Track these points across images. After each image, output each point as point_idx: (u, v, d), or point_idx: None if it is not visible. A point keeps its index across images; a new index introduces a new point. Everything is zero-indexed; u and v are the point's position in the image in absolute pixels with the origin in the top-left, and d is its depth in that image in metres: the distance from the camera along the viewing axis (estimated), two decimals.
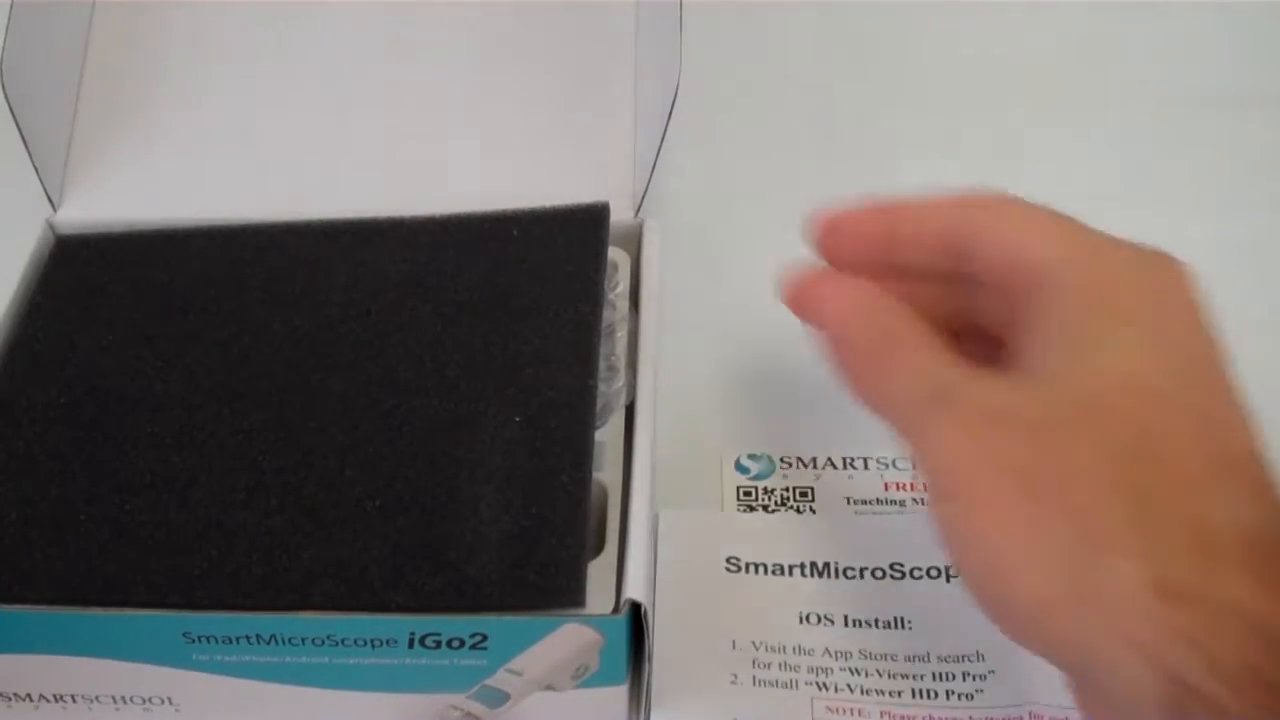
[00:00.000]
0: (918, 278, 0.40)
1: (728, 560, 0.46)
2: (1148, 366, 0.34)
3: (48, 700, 0.42)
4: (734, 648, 0.44)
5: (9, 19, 0.49)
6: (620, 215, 0.51)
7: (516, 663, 0.40)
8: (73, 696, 0.41)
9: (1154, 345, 0.35)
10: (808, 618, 0.45)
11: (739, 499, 0.49)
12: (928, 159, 0.61)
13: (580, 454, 0.42)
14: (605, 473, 0.44)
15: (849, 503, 0.48)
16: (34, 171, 0.51)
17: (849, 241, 0.41)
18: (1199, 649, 0.30)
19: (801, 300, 0.41)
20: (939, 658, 0.43)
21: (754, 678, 0.43)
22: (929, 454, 0.36)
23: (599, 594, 0.40)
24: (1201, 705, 0.30)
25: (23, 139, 0.50)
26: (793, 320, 0.55)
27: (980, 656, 0.43)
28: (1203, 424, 0.33)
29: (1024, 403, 0.34)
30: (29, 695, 0.41)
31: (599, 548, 0.42)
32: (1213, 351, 0.35)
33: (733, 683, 0.43)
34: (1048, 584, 0.32)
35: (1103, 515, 0.32)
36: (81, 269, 0.50)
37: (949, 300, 0.40)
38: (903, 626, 0.44)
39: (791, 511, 0.48)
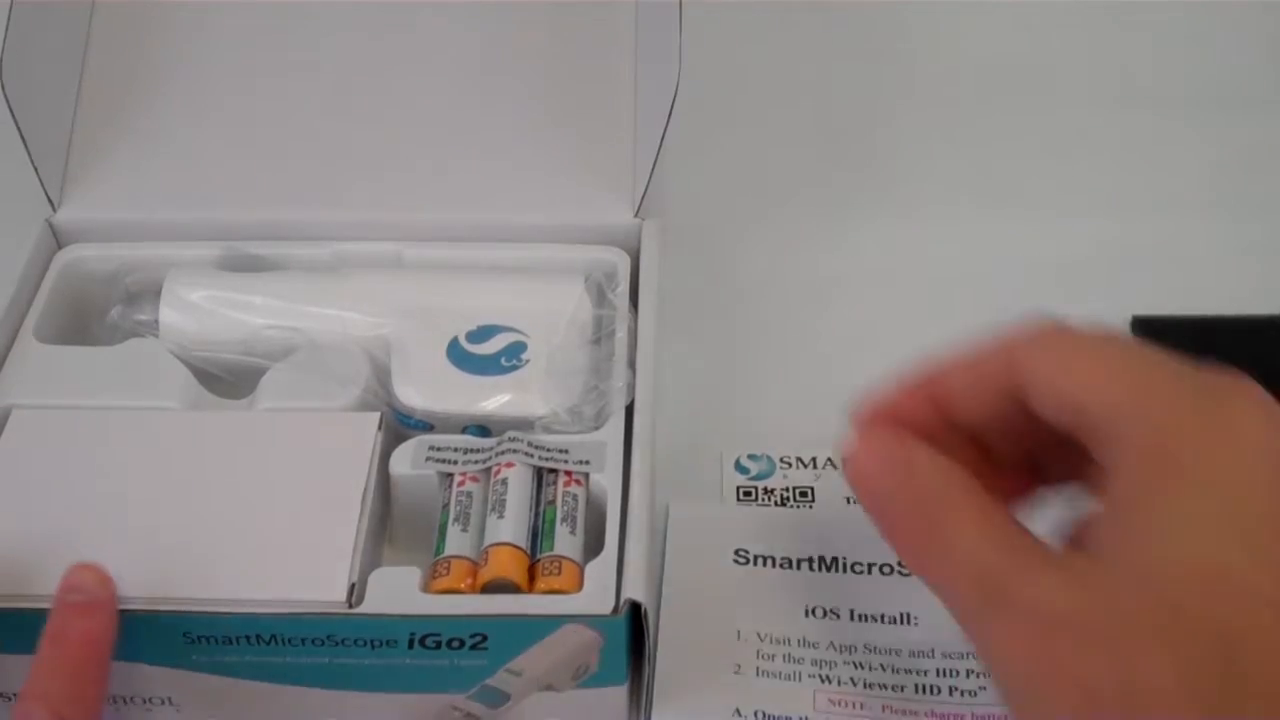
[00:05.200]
0: (980, 431, 0.37)
1: (736, 552, 0.46)
2: (1224, 549, 0.30)
3: None
4: (739, 638, 0.44)
5: (9, 19, 0.49)
6: (620, 215, 0.51)
7: (516, 663, 0.40)
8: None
9: (1229, 516, 0.31)
10: (813, 611, 0.45)
11: (739, 499, 0.49)
12: (928, 159, 0.62)
13: None
14: (605, 473, 0.44)
15: (849, 503, 0.48)
16: (34, 172, 0.51)
17: (897, 423, 0.37)
18: None
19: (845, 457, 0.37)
20: (944, 654, 0.43)
21: (757, 668, 0.43)
22: (985, 653, 0.33)
23: (599, 594, 0.40)
24: None
25: (22, 139, 0.50)
26: (793, 319, 0.55)
27: None
28: None
29: (1087, 606, 0.31)
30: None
31: (598, 548, 0.42)
32: None
33: (736, 673, 0.43)
34: None
35: None
36: None
37: (1018, 445, 0.37)
38: (908, 622, 0.44)
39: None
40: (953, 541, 0.33)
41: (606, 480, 0.43)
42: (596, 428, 0.45)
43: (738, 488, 0.49)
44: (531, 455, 0.44)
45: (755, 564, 0.46)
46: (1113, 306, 0.55)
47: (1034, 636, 0.31)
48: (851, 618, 0.45)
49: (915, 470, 0.34)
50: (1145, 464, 0.32)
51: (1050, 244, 0.58)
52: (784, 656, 0.43)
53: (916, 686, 0.43)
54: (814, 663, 0.43)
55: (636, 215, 0.51)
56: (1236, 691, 0.29)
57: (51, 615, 0.39)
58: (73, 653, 0.38)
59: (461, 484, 0.44)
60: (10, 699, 0.41)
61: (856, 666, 0.43)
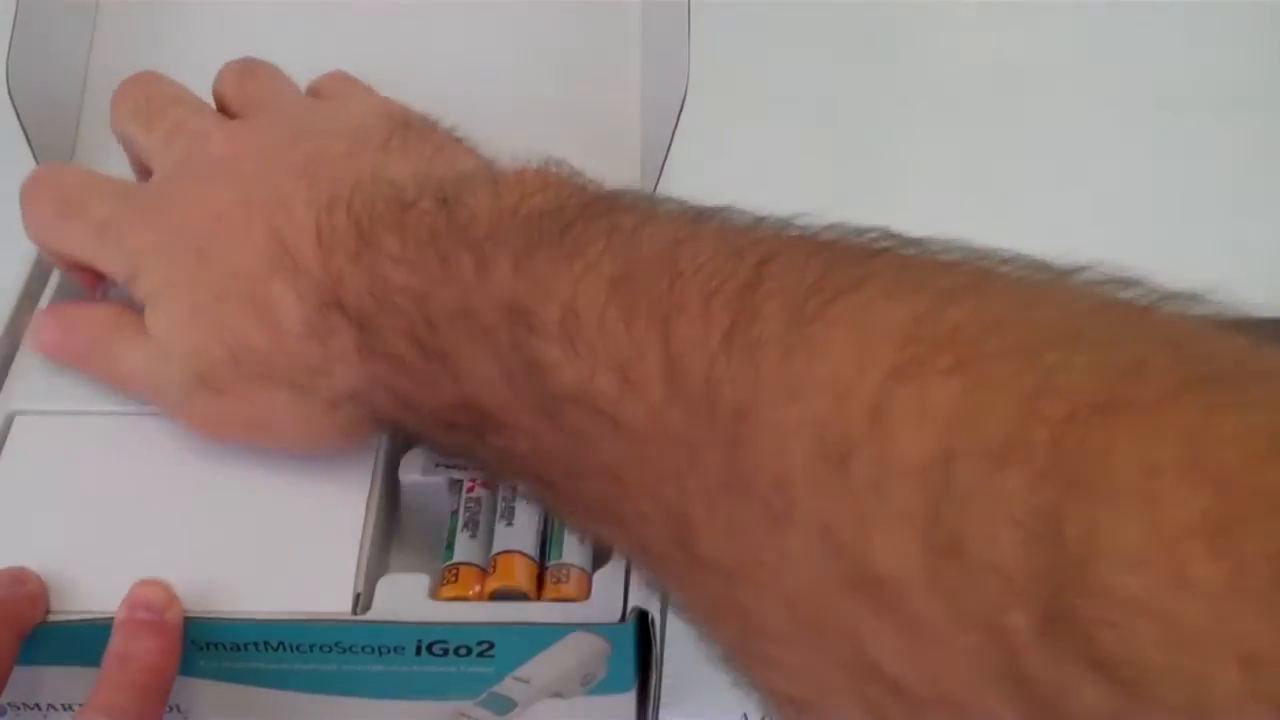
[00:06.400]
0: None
1: None
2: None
3: (55, 709, 0.42)
4: None
5: (14, 21, 0.49)
6: None
7: (524, 670, 0.40)
8: (80, 705, 0.41)
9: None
10: None
11: None
12: (933, 159, 0.61)
13: None
14: None
15: None
16: None
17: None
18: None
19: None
20: None
21: None
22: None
23: (607, 602, 0.40)
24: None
25: (28, 141, 0.50)
26: None
27: None
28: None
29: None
30: (37, 705, 0.41)
31: (607, 555, 0.42)
32: None
33: None
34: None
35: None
36: None
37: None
38: None
39: None
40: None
41: None
42: None
43: None
44: None
45: None
46: None
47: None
48: None
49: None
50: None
51: (1050, 244, 0.58)
52: None
53: None
54: None
55: None
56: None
57: (116, 630, 0.39)
58: (138, 670, 0.38)
59: (471, 490, 0.44)
60: (20, 708, 0.41)
61: None
